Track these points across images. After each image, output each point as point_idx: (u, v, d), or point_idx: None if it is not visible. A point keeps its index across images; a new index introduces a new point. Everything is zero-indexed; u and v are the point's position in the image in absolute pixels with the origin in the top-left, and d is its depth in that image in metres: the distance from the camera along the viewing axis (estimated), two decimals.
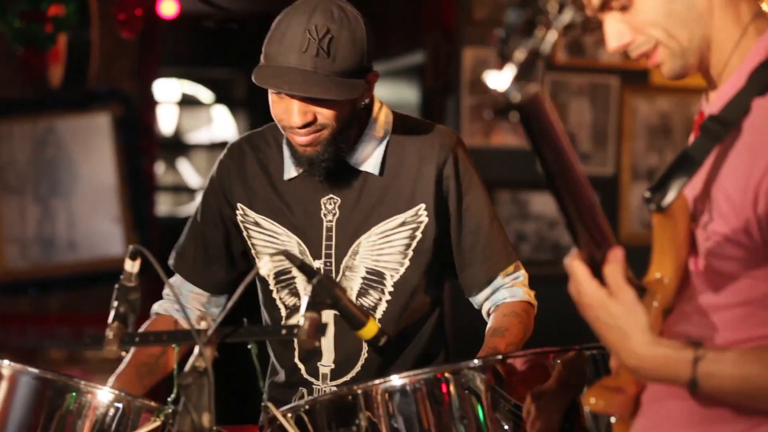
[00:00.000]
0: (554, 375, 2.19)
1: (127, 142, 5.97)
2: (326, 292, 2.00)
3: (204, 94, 8.85)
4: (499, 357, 2.25)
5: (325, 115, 2.40)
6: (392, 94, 6.72)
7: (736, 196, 1.64)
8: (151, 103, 6.17)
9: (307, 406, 2.23)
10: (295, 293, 2.57)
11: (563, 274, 1.66)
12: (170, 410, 2.20)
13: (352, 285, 2.53)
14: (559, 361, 2.20)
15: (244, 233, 2.61)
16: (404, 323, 2.55)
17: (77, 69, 5.76)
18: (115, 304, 2.06)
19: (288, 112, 2.41)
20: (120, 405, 2.25)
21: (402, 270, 2.54)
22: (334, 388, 2.53)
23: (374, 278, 2.54)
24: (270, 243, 2.58)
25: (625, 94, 5.98)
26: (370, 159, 2.53)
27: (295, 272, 2.54)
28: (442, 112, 5.84)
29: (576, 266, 1.62)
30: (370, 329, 2.06)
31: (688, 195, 1.69)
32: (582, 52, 5.91)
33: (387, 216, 2.53)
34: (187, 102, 8.87)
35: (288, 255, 2.06)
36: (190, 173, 8.71)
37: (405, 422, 2.17)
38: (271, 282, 2.59)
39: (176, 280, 2.67)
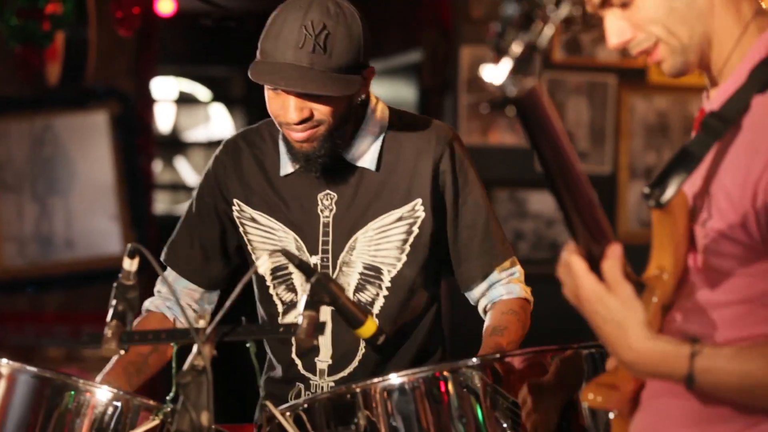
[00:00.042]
0: (551, 371, 2.19)
1: (124, 140, 5.97)
2: (325, 291, 2.00)
3: (201, 92, 8.85)
4: (498, 355, 2.25)
5: (321, 111, 2.40)
6: (390, 93, 6.71)
7: (735, 193, 1.64)
8: (148, 101, 6.17)
9: (305, 405, 2.23)
10: (292, 289, 2.57)
11: None
12: (169, 409, 2.20)
13: (350, 281, 2.53)
14: (556, 359, 2.20)
15: (240, 229, 2.61)
16: (402, 319, 2.55)
17: (74, 67, 5.75)
18: (114, 302, 2.06)
19: (284, 108, 2.41)
20: (118, 404, 2.25)
21: (399, 265, 2.54)
22: (332, 384, 2.53)
23: (371, 274, 2.54)
24: (266, 239, 2.57)
25: (623, 93, 5.98)
26: (367, 154, 2.53)
27: (292, 268, 2.54)
28: (440, 111, 5.83)
29: (574, 260, 1.62)
30: (369, 328, 2.06)
31: (688, 191, 1.69)
32: (579, 51, 5.91)
33: (384, 211, 2.53)
34: (185, 100, 8.86)
35: (286, 253, 2.06)
36: (188, 171, 8.71)
37: (404, 421, 2.17)
38: (268, 278, 2.59)
39: (169, 275, 2.66)
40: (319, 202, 2.55)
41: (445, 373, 2.19)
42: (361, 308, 2.08)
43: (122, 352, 2.04)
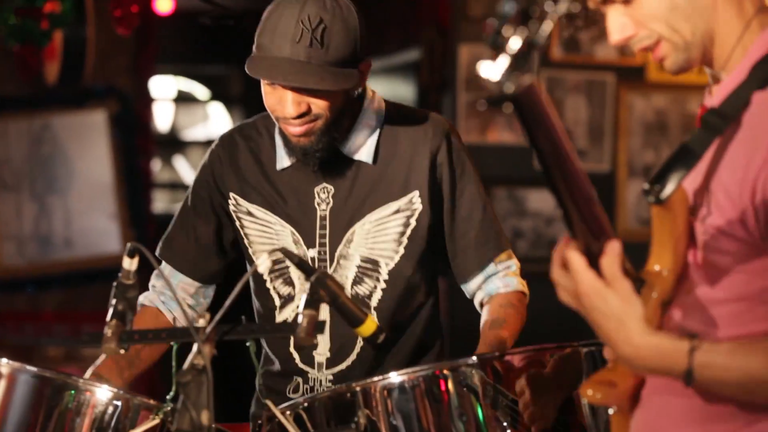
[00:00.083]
0: (551, 369, 2.19)
1: (123, 139, 5.97)
2: (324, 290, 2.00)
3: (200, 90, 8.85)
4: (497, 354, 2.25)
5: (318, 105, 2.40)
6: (388, 91, 6.71)
7: (734, 189, 1.63)
8: (147, 100, 6.17)
9: (305, 404, 2.23)
10: (289, 282, 2.57)
11: None
12: (169, 408, 2.20)
13: (347, 273, 2.53)
14: (556, 357, 2.21)
15: (237, 223, 2.61)
16: (400, 311, 2.55)
17: (73, 66, 5.74)
18: (114, 301, 2.06)
19: (281, 102, 2.41)
20: (119, 403, 2.25)
21: (397, 258, 2.54)
22: (331, 377, 2.53)
23: (369, 266, 2.53)
24: (263, 233, 2.57)
25: (621, 91, 5.98)
26: (364, 148, 2.53)
27: (289, 261, 2.53)
28: (438, 109, 5.83)
29: (573, 256, 1.62)
30: (369, 327, 2.06)
31: (688, 188, 1.69)
32: (578, 49, 5.91)
33: (381, 204, 2.53)
34: (183, 99, 8.87)
35: (286, 252, 2.05)
36: (187, 170, 8.71)
37: (403, 419, 2.17)
38: (265, 272, 2.58)
39: (164, 270, 2.64)
40: (316, 196, 2.55)
41: (445, 372, 2.19)
42: (361, 307, 2.08)
43: (122, 351, 2.04)
